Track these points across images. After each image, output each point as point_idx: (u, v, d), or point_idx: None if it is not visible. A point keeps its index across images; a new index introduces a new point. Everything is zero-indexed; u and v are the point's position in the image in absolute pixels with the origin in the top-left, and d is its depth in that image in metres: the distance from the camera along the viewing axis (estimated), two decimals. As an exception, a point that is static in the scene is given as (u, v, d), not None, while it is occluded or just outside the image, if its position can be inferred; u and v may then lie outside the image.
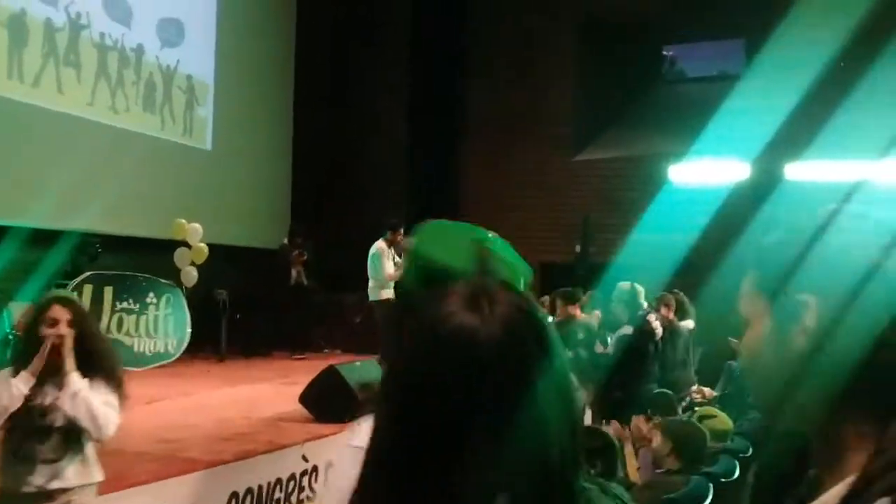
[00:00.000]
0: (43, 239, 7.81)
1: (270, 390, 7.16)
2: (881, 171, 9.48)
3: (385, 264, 7.81)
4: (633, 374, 5.61)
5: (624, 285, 5.96)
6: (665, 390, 5.66)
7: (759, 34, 9.61)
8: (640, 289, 5.99)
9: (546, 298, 8.11)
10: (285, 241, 10.25)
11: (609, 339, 5.96)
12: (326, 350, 10.29)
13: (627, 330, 5.68)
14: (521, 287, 1.24)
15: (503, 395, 0.82)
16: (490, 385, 0.82)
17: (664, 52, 12.71)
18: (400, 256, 7.52)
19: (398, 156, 12.67)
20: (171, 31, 10.00)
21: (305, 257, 10.05)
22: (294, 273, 9.96)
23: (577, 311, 6.57)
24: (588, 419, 5.76)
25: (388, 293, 7.75)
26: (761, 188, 9.66)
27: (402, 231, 7.78)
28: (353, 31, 12.47)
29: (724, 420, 4.62)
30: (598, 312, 6.60)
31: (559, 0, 11.84)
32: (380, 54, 12.63)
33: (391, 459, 0.85)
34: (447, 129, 12.61)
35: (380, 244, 7.92)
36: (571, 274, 9.48)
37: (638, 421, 4.67)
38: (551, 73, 11.93)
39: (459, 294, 0.88)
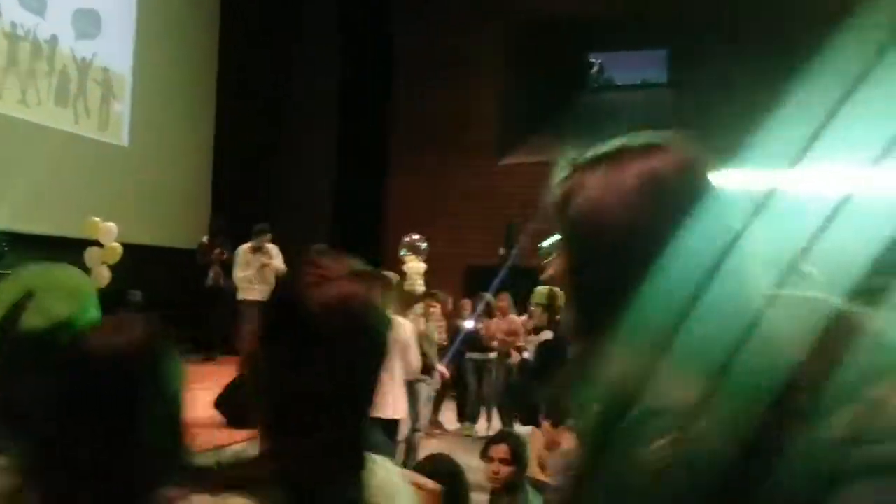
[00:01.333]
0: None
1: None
2: (796, 179, 9.85)
3: (237, 267, 8.62)
4: (550, 378, 5.64)
5: (542, 290, 5.97)
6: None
7: (683, 44, 9.85)
8: (559, 292, 6.02)
9: (466, 301, 8.15)
10: (204, 239, 10.01)
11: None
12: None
13: (548, 335, 5.70)
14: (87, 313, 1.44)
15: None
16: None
17: (591, 59, 12.90)
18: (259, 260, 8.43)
19: (324, 158, 12.52)
20: (88, 23, 9.62)
21: (225, 256, 9.72)
22: (212, 273, 9.74)
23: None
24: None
25: (247, 294, 8.39)
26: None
27: (268, 237, 8.69)
28: (279, 26, 12.26)
29: None
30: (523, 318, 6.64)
31: (485, 5, 11.89)
32: (307, 51, 12.46)
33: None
34: (374, 131, 12.53)
35: (243, 247, 8.68)
36: (496, 277, 9.51)
37: (545, 425, 4.67)
38: (476, 78, 12.00)
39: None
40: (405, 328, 4.95)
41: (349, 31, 12.54)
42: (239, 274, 8.64)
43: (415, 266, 9.51)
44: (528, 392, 5.85)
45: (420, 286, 9.36)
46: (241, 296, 8.57)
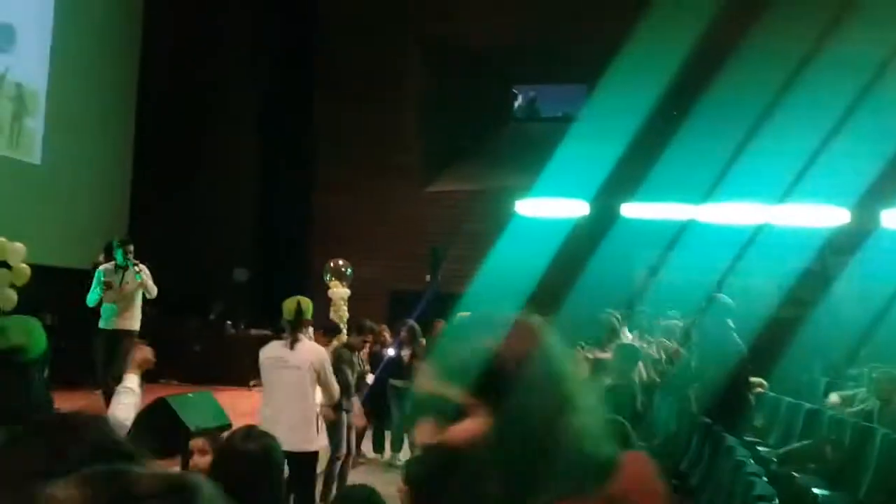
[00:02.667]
0: None
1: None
2: (704, 213, 10.29)
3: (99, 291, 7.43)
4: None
5: (464, 316, 6.00)
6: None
7: (599, 80, 10.18)
8: None
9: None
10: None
11: None
12: (162, 380, 9.76)
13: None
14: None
15: None
16: None
17: (514, 91, 13.19)
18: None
19: (246, 178, 12.37)
20: (1, 37, 9.29)
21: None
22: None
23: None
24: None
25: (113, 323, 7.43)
26: (600, 225, 10.20)
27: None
28: (199, 42, 12.09)
29: None
30: None
31: (412, 29, 12.02)
32: (229, 68, 12.33)
33: None
34: (298, 152, 12.45)
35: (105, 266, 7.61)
36: (421, 303, 9.54)
37: None
38: (398, 101, 12.10)
39: None
40: (319, 354, 4.90)
41: (271, 48, 12.49)
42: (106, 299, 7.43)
43: (339, 291, 9.49)
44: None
45: (344, 312, 9.33)
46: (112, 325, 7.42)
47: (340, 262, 9.98)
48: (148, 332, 9.49)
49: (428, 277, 10.71)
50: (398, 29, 12.07)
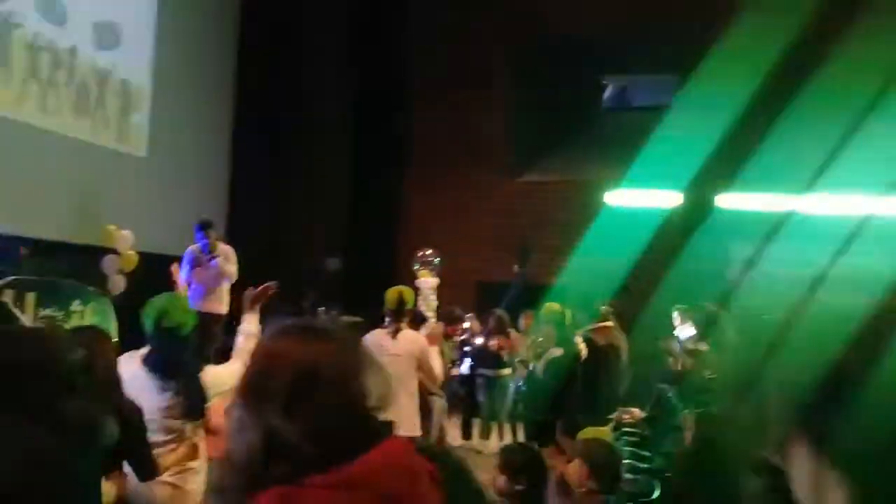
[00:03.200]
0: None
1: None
2: (806, 204, 9.87)
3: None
4: (562, 397, 5.64)
5: (552, 306, 5.97)
6: (589, 413, 5.69)
7: (693, 69, 9.91)
8: (568, 311, 5.99)
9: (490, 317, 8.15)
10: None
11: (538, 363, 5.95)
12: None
13: (557, 352, 5.71)
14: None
15: None
16: None
17: (603, 82, 13.00)
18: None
19: (338, 175, 12.62)
20: (108, 34, 9.75)
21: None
22: None
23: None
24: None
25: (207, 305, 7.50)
26: (693, 216, 9.94)
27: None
28: (294, 47, 12.38)
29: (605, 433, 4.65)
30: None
31: (499, 26, 11.98)
32: (323, 69, 12.59)
33: None
34: (390, 150, 12.63)
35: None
36: (508, 294, 9.55)
37: (565, 445, 4.69)
38: (488, 95, 12.07)
39: None
40: (419, 342, 4.97)
41: (363, 51, 12.68)
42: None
43: (428, 281, 9.59)
44: (537, 409, 5.85)
45: (433, 301, 9.43)
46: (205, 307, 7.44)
47: (429, 252, 10.08)
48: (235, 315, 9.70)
49: (516, 268, 10.68)
50: (486, 24, 12.06)
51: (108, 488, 2.72)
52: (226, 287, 7.72)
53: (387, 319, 4.98)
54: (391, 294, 4.92)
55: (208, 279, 7.56)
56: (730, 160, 9.44)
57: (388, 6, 12.69)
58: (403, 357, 4.77)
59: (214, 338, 7.23)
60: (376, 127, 12.46)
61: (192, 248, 7.76)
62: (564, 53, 11.69)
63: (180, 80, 10.82)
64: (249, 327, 3.49)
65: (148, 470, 2.98)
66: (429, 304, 9.41)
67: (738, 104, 9.17)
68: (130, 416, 2.83)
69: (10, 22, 8.34)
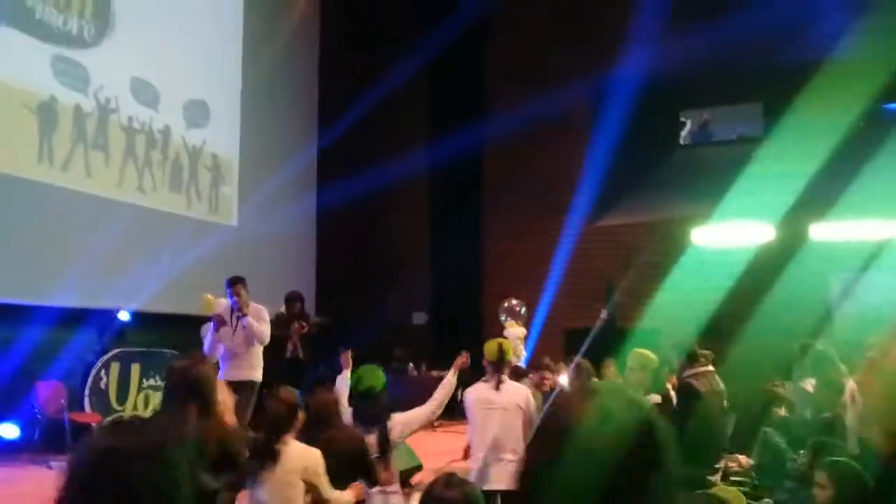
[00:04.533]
0: (72, 318, 7.92)
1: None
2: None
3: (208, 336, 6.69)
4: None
5: (640, 352, 5.78)
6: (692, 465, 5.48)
7: (777, 98, 9.70)
8: (655, 356, 5.78)
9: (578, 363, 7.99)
10: (283, 309, 9.04)
11: None
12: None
13: (657, 399, 5.51)
14: None
15: None
16: None
17: (682, 118, 12.83)
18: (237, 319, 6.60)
19: (421, 231, 12.79)
20: (197, 113, 10.27)
21: (306, 329, 8.93)
22: (290, 346, 8.82)
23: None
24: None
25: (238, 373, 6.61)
26: (786, 249, 9.61)
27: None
28: (373, 107, 12.73)
29: (737, 496, 4.45)
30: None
31: (576, 65, 11.97)
32: (400, 128, 12.89)
33: None
34: (468, 201, 12.74)
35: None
36: (590, 339, 9.38)
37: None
38: (568, 140, 12.05)
39: None
40: (523, 393, 4.92)
41: (440, 98, 12.90)
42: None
43: (515, 331, 9.54)
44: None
45: (522, 351, 9.35)
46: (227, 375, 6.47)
47: (514, 302, 10.05)
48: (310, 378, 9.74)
49: (604, 313, 10.50)
50: (564, 63, 12.07)
51: (348, 495, 3.70)
52: (257, 351, 6.85)
53: (486, 372, 4.95)
54: (491, 346, 4.89)
55: (237, 342, 6.67)
56: (822, 189, 9.13)
57: (463, 52, 12.81)
58: (511, 410, 4.72)
59: (246, 407, 6.39)
60: (456, 180, 12.59)
61: (220, 308, 6.81)
62: (642, 90, 11.61)
63: (265, 149, 11.27)
64: (451, 380, 4.69)
65: (373, 480, 3.96)
66: (517, 353, 9.34)
67: (831, 130, 8.90)
68: (359, 444, 3.98)
69: (107, 107, 8.90)
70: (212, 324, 6.67)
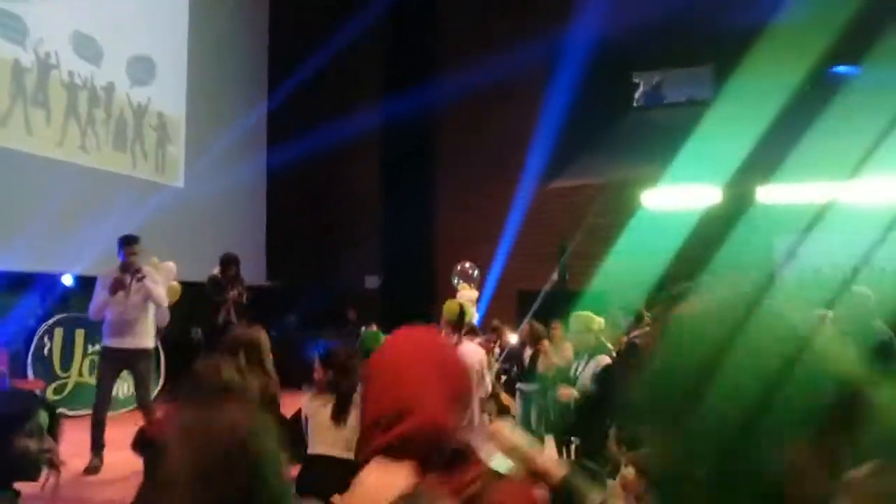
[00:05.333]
0: (13, 283, 7.70)
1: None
2: (850, 191, 9.64)
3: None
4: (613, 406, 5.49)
5: (581, 315, 5.77)
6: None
7: (727, 61, 9.77)
8: (599, 318, 5.80)
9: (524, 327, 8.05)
10: (216, 270, 8.68)
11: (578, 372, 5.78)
12: (304, 387, 10.13)
13: (605, 360, 5.54)
14: None
15: None
16: None
17: (634, 80, 12.87)
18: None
19: (371, 193, 12.69)
20: (142, 69, 9.97)
21: (244, 297, 8.63)
22: (223, 312, 8.52)
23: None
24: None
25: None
26: (733, 211, 9.78)
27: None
28: (324, 67, 12.50)
29: None
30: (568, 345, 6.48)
31: (528, 28, 11.90)
32: (352, 89, 12.71)
33: None
34: (420, 164, 12.66)
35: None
36: (542, 301, 9.46)
37: (623, 456, 4.58)
38: (521, 102, 12.02)
39: None
40: (480, 354, 4.92)
41: (391, 60, 12.76)
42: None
43: (468, 293, 9.57)
44: (592, 421, 5.71)
45: (474, 313, 9.39)
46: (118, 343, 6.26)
47: (467, 265, 10.07)
48: (286, 342, 9.86)
49: (555, 276, 10.60)
50: (515, 27, 12.00)
51: None
52: (151, 316, 6.45)
53: (443, 332, 4.93)
54: (451, 306, 4.85)
55: (133, 304, 6.21)
56: (770, 152, 9.28)
57: (416, 14, 12.67)
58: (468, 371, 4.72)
59: (144, 378, 6.31)
60: (406, 142, 12.49)
61: (108, 269, 6.43)
62: (594, 53, 11.59)
63: (213, 109, 11.01)
64: None
65: None
66: (470, 316, 9.38)
67: (779, 94, 9.00)
68: None
69: (47, 62, 8.58)
70: (108, 284, 6.20)
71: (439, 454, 1.29)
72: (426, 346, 1.46)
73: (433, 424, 1.30)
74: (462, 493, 1.28)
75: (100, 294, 6.23)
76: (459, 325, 4.82)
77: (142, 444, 2.93)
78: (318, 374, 3.73)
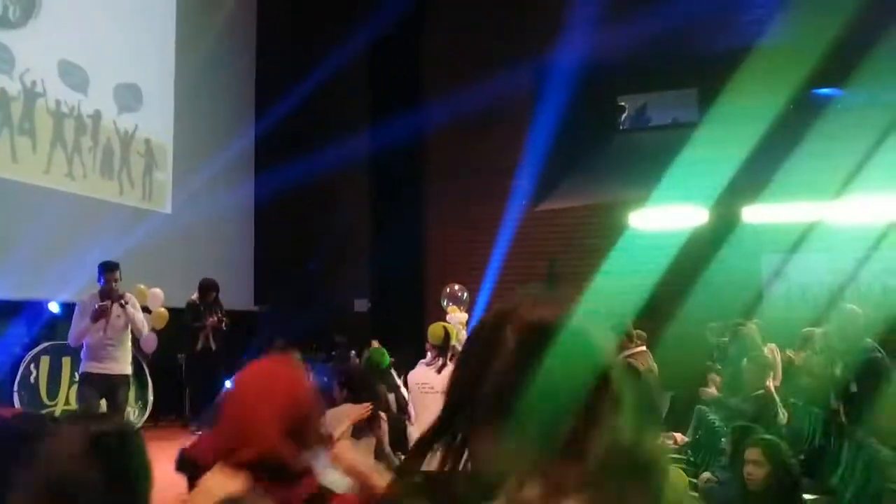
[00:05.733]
0: (0, 311, 7.64)
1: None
2: (835, 210, 9.73)
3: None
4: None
5: None
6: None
7: (712, 84, 9.88)
8: None
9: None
10: (195, 297, 8.84)
11: None
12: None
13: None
14: None
15: None
16: None
17: (620, 102, 12.97)
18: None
19: (362, 218, 12.70)
20: (129, 97, 9.98)
21: (223, 324, 8.77)
22: (202, 338, 8.68)
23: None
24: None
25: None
26: (719, 231, 9.85)
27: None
28: (312, 94, 12.53)
29: (680, 476, 4.54)
30: None
31: (514, 51, 11.99)
32: (340, 115, 12.74)
33: None
34: (409, 188, 12.68)
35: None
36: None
37: None
38: (508, 126, 12.07)
39: None
40: None
41: (380, 83, 12.81)
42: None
43: (457, 316, 9.56)
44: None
45: (463, 336, 9.37)
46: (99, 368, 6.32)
47: (457, 287, 10.07)
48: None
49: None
50: (502, 50, 12.08)
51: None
52: (129, 342, 6.50)
53: (429, 355, 4.93)
54: (436, 329, 4.87)
55: (116, 329, 6.29)
56: (755, 173, 9.36)
57: (401, 39, 12.71)
58: None
59: (122, 405, 6.31)
60: (396, 165, 12.51)
61: (89, 296, 6.47)
62: (580, 76, 11.69)
63: (200, 135, 11.02)
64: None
65: None
66: (460, 339, 9.36)
67: (765, 115, 9.10)
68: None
69: (33, 91, 8.57)
70: (89, 310, 6.25)
71: (273, 473, 1.50)
72: (270, 382, 1.63)
73: (268, 455, 1.51)
74: None
75: (80, 321, 6.28)
76: (445, 348, 4.83)
77: (184, 463, 3.10)
78: (337, 394, 3.87)
